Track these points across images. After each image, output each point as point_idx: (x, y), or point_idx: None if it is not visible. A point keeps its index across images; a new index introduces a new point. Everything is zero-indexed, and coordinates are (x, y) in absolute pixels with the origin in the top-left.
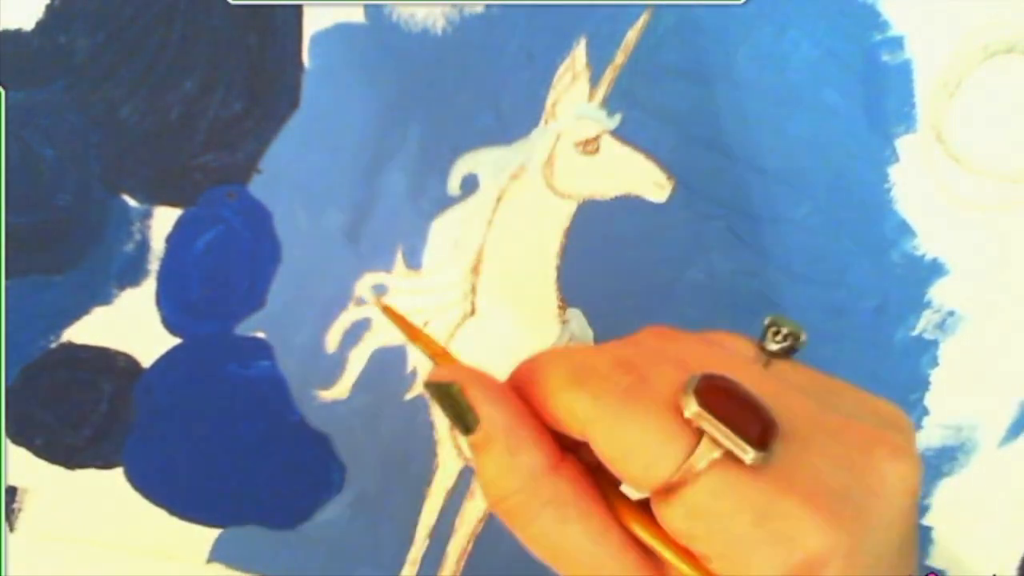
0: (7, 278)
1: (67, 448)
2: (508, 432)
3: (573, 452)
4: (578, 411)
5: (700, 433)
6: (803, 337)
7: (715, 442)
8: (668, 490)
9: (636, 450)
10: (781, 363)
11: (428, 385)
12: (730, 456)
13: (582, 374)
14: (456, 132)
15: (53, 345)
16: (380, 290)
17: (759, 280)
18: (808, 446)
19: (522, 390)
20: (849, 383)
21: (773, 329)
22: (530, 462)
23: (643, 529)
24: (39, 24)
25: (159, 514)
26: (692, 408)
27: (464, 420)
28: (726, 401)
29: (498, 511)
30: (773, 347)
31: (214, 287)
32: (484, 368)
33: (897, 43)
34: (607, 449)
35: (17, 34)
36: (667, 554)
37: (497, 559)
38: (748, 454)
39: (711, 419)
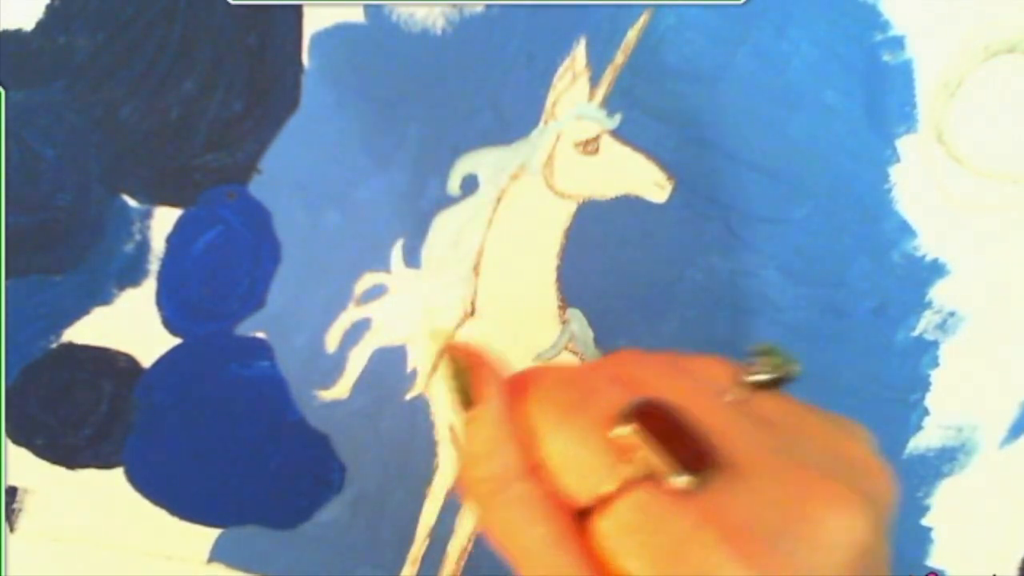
0: (7, 278)
1: (67, 448)
2: (497, 424)
3: None
4: (528, 424)
5: (631, 453)
6: (788, 371)
7: (643, 463)
8: (603, 503)
9: (571, 463)
10: (756, 396)
11: (443, 352)
12: (658, 478)
13: (535, 391)
14: (456, 132)
15: (53, 345)
16: (380, 290)
17: (759, 280)
18: (746, 483)
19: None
20: (835, 422)
21: (763, 360)
22: (508, 459)
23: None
24: (39, 24)
25: (159, 514)
26: (624, 428)
27: (463, 396)
28: (661, 426)
29: (470, 496)
30: (750, 380)
31: (214, 287)
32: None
33: (898, 43)
34: (549, 460)
35: (17, 34)
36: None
37: (497, 559)
38: (674, 478)
39: (644, 440)
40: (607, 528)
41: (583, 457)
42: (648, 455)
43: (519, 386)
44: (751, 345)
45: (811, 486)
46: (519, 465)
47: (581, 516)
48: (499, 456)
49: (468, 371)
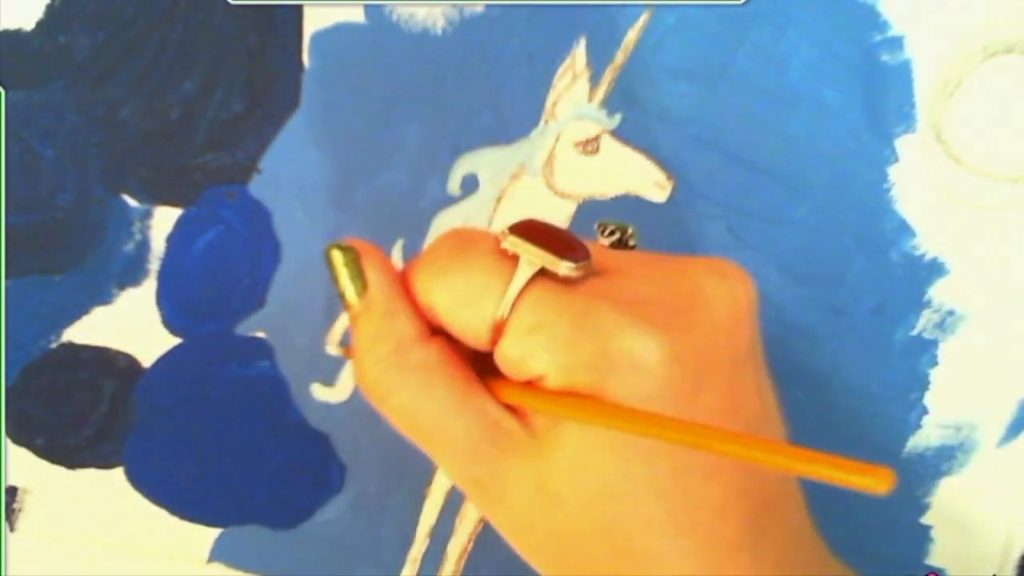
0: (7, 278)
1: (67, 448)
2: (389, 299)
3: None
4: (419, 286)
5: (517, 261)
6: (630, 230)
7: (529, 263)
8: (499, 330)
9: (465, 293)
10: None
11: (330, 248)
12: (546, 274)
13: (421, 257)
14: (456, 132)
15: (53, 345)
16: None
17: (759, 280)
18: (627, 272)
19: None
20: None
21: (601, 228)
22: (404, 328)
23: (505, 391)
24: (39, 24)
25: (159, 514)
26: (507, 239)
27: (354, 284)
28: (540, 233)
29: (367, 382)
30: (604, 242)
31: (214, 287)
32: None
33: (897, 43)
34: (442, 304)
35: (17, 34)
36: (528, 402)
37: (497, 559)
38: (560, 265)
39: (525, 244)
40: (510, 343)
41: (473, 283)
42: (531, 253)
43: (405, 268)
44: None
45: (684, 261)
46: (415, 332)
47: (480, 369)
48: (396, 327)
49: (357, 257)
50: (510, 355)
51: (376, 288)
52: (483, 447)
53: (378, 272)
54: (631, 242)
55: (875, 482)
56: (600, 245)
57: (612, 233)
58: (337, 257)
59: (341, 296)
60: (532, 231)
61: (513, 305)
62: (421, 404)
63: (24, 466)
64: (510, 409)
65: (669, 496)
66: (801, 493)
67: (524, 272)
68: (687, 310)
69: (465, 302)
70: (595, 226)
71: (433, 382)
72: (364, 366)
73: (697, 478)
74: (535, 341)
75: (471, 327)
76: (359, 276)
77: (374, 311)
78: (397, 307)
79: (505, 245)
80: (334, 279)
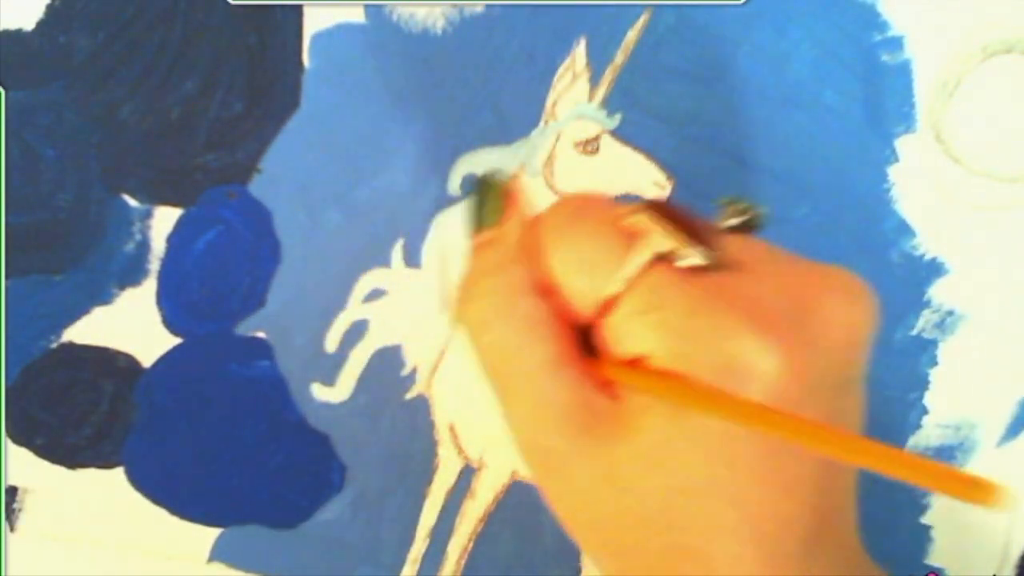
0: (7, 278)
1: (67, 448)
2: (517, 242)
3: None
4: (540, 240)
5: (642, 238)
6: (761, 211)
7: (656, 243)
8: (608, 305)
9: (581, 262)
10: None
11: (485, 176)
12: (669, 258)
13: (543, 217)
14: (456, 132)
15: (53, 345)
16: (379, 291)
17: None
18: (746, 271)
19: None
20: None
21: (730, 206)
22: (522, 275)
23: (607, 366)
24: (39, 24)
25: (159, 514)
26: (638, 215)
27: (495, 213)
28: (672, 216)
29: (468, 310)
30: (733, 222)
31: (214, 287)
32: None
33: (897, 43)
34: (557, 267)
35: (17, 34)
36: (626, 378)
37: (497, 559)
38: (687, 254)
39: (655, 225)
40: (619, 319)
41: (594, 252)
42: (661, 234)
43: (531, 221)
44: (718, 198)
45: (814, 273)
46: (531, 283)
47: (584, 338)
48: (514, 271)
49: (504, 194)
50: (617, 331)
51: (510, 227)
52: (561, 417)
53: (518, 214)
54: (755, 225)
55: (988, 497)
56: (720, 226)
57: (743, 213)
58: (489, 184)
59: (478, 218)
60: (665, 212)
61: (630, 283)
62: (514, 353)
63: (24, 466)
64: (602, 389)
65: (744, 503)
66: (856, 507)
67: (647, 253)
68: (806, 324)
69: (580, 270)
70: (721, 200)
71: (534, 336)
72: (472, 291)
73: (775, 490)
74: (646, 322)
75: (581, 296)
76: (502, 209)
77: (501, 244)
78: (519, 252)
79: (634, 221)
80: (478, 203)
